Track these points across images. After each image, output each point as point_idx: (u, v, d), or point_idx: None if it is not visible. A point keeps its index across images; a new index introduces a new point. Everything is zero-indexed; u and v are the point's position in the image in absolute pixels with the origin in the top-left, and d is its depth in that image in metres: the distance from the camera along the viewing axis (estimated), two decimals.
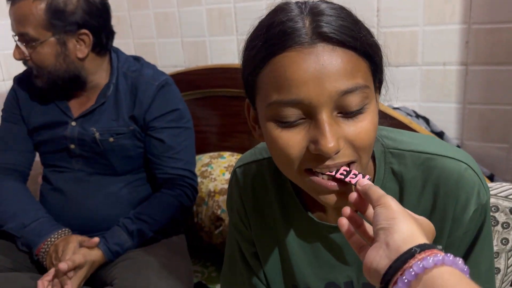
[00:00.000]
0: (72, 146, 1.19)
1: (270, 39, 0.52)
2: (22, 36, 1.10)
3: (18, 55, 1.12)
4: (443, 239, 0.62)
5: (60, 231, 1.13)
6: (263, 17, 0.57)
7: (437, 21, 1.32)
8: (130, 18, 1.88)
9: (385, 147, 0.65)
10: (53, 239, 1.11)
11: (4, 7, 1.15)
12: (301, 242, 0.70)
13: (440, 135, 1.34)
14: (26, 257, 1.16)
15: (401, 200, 0.64)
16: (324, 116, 0.51)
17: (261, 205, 0.73)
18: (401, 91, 1.41)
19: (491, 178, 1.30)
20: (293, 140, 0.53)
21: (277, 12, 0.54)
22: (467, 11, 1.27)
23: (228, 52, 1.68)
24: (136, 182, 1.25)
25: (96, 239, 1.08)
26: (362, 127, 0.53)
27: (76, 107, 1.21)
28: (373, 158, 0.65)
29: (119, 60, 1.24)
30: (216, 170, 1.42)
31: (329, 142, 0.50)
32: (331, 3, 0.55)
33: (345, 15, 0.53)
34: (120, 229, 1.11)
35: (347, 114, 0.52)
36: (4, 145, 1.24)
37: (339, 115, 0.52)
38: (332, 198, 0.55)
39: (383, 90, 0.65)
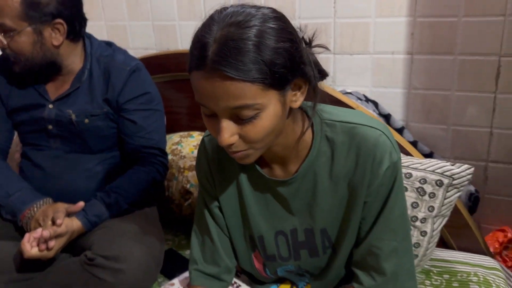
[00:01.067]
0: (50, 127, 1.28)
1: (190, 57, 0.67)
2: (0, 27, 1.17)
3: None
4: (363, 189, 0.78)
5: (44, 199, 1.23)
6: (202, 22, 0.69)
7: (387, 13, 1.45)
8: (102, 0, 1.93)
9: (321, 119, 0.80)
10: (37, 207, 1.21)
11: None
12: (256, 194, 0.86)
13: (387, 117, 1.50)
14: (11, 226, 1.26)
15: (332, 160, 0.80)
16: (221, 120, 0.68)
17: (225, 166, 0.88)
18: (355, 77, 1.56)
19: (431, 155, 1.47)
20: (210, 126, 0.72)
21: (202, 29, 0.66)
22: (412, 5, 1.41)
23: None
24: (110, 160, 1.35)
25: (81, 203, 1.18)
26: (252, 129, 0.68)
27: (53, 90, 1.29)
28: (313, 127, 0.80)
29: (92, 46, 1.32)
30: (186, 148, 1.53)
31: (223, 140, 0.68)
32: (247, 26, 0.64)
33: (248, 44, 0.63)
34: (98, 202, 1.22)
35: (241, 120, 0.68)
36: None
37: (236, 118, 0.68)
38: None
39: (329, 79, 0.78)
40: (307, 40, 0.76)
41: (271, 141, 0.74)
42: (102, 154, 1.33)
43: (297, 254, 0.88)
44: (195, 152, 1.51)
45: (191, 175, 1.47)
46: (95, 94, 1.27)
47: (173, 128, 1.69)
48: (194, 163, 1.47)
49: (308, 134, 0.80)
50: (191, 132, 1.63)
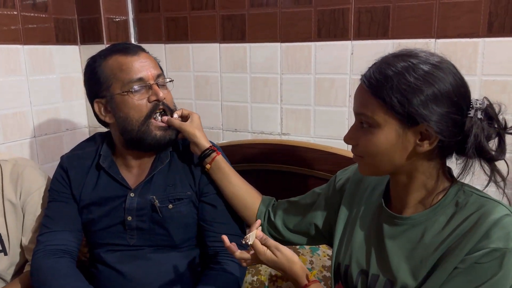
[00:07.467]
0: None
1: None
2: None
3: None
4: (459, 256, 0.74)
5: None
6: None
7: None
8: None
9: (462, 186, 0.82)
10: None
11: None
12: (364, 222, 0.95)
13: None
14: None
15: (447, 223, 0.79)
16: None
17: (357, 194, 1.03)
18: None
19: None
20: None
21: None
22: None
23: (271, 119, 1.73)
24: (193, 258, 1.25)
25: None
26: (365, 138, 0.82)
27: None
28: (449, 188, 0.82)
29: None
30: None
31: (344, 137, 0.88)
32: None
33: None
34: None
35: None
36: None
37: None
38: None
39: None
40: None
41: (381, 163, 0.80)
42: (185, 251, 1.24)
43: None
44: None
45: None
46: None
47: None
48: None
49: (442, 191, 0.81)
50: None
